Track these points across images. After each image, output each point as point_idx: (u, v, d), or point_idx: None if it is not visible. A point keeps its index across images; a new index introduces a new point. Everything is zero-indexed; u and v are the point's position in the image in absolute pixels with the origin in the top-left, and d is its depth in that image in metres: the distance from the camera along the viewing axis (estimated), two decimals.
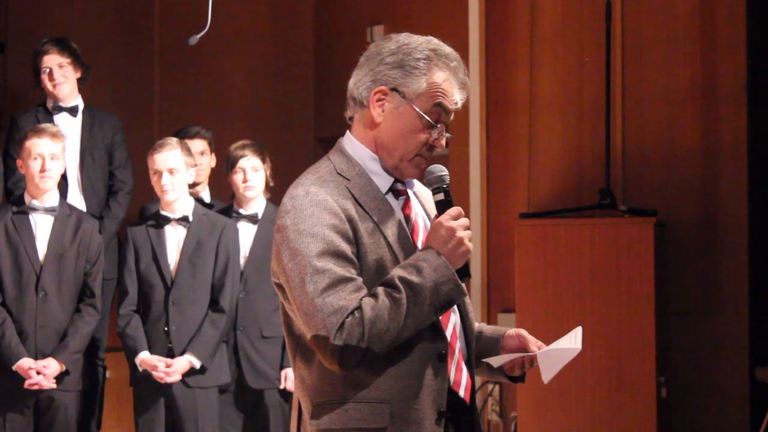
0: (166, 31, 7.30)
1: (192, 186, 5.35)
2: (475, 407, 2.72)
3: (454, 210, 2.58)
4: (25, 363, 4.92)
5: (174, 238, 5.18)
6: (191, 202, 5.27)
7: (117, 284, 5.40)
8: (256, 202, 5.43)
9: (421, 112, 2.61)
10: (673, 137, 5.77)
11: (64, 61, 5.74)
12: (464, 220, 2.57)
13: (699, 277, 5.65)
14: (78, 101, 5.84)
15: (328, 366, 2.51)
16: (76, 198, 5.69)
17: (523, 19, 6.26)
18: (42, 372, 4.92)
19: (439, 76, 2.62)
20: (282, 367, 5.31)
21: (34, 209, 5.05)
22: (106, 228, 5.66)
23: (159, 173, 5.11)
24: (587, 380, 5.34)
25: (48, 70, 5.72)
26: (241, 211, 5.43)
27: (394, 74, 2.62)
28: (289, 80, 7.73)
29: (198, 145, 5.69)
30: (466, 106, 2.73)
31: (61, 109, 5.77)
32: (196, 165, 5.33)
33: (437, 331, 2.59)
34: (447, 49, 2.67)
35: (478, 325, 2.82)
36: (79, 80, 5.83)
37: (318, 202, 2.55)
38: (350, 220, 2.56)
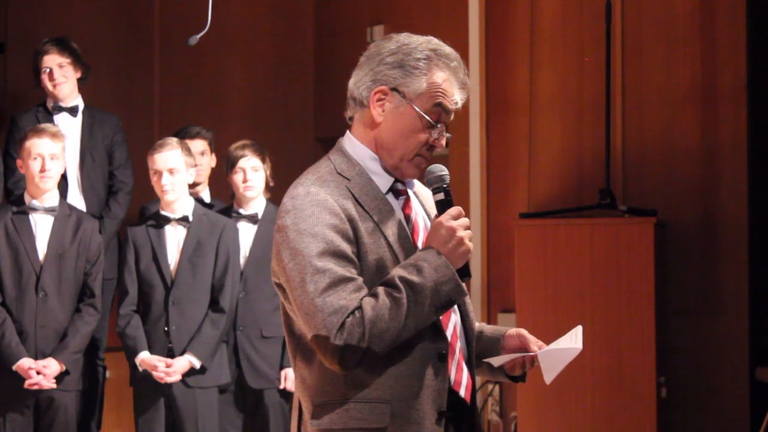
0: (166, 31, 7.30)
1: (192, 186, 5.35)
2: (476, 407, 2.72)
3: (455, 210, 2.58)
4: (25, 363, 4.92)
5: (174, 238, 5.18)
6: (191, 202, 5.27)
7: (117, 284, 5.40)
8: (256, 202, 5.43)
9: (421, 112, 2.61)
10: (673, 137, 5.77)
11: (65, 61, 5.74)
12: (464, 220, 2.57)
13: (699, 277, 5.65)
14: (78, 101, 5.84)
15: (329, 366, 2.51)
16: (76, 198, 5.69)
17: (523, 19, 6.26)
18: (42, 372, 4.92)
19: (440, 76, 2.62)
20: (282, 367, 5.31)
21: (34, 209, 5.05)
22: (106, 228, 5.66)
23: (159, 173, 5.11)
24: (587, 380, 5.34)
25: (48, 70, 5.72)
26: (241, 211, 5.43)
27: (394, 74, 2.62)
28: (289, 80, 7.73)
29: (198, 145, 5.69)
30: (466, 106, 2.73)
31: (61, 109, 5.77)
32: (196, 165, 5.33)
33: (438, 330, 2.59)
34: (447, 49, 2.67)
35: (478, 324, 2.82)
36: (79, 80, 5.83)
37: (318, 201, 2.55)
38: (350, 220, 2.56)
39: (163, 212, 5.19)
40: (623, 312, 5.32)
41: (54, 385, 4.95)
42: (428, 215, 2.75)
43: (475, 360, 2.72)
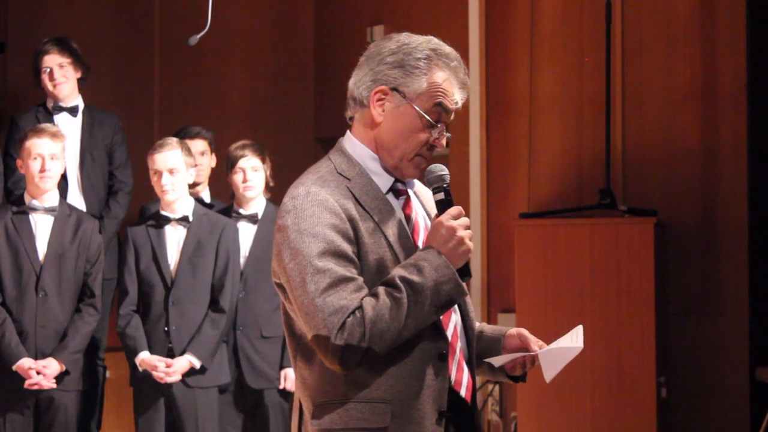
0: (166, 31, 7.30)
1: (192, 186, 5.35)
2: (476, 407, 2.72)
3: (455, 209, 2.58)
4: (25, 363, 4.92)
5: (174, 238, 5.18)
6: (191, 202, 5.26)
7: (117, 284, 5.40)
8: (256, 202, 5.43)
9: (421, 112, 2.61)
10: (673, 137, 5.77)
11: (65, 61, 5.74)
12: (465, 220, 2.57)
13: (699, 277, 5.65)
14: (78, 101, 5.84)
15: (329, 366, 2.51)
16: (76, 198, 5.69)
17: (523, 19, 6.26)
18: (42, 372, 4.92)
19: (440, 76, 2.62)
20: (282, 367, 5.31)
21: (34, 209, 5.05)
22: (106, 228, 5.66)
23: (159, 173, 5.11)
24: (587, 380, 5.34)
25: (48, 69, 5.72)
26: (241, 211, 5.43)
27: (394, 74, 2.62)
28: (289, 80, 7.73)
29: (198, 145, 5.69)
30: (466, 106, 2.73)
31: (61, 109, 5.77)
32: (196, 165, 5.33)
33: (438, 330, 2.59)
34: (447, 48, 2.67)
35: (479, 324, 2.82)
36: (79, 80, 5.83)
37: (319, 201, 2.54)
38: (351, 220, 2.56)
39: (163, 212, 5.19)
40: (623, 312, 5.32)
41: (54, 385, 4.95)
42: (428, 215, 2.75)
43: (475, 360, 2.73)
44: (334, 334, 2.45)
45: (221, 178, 5.68)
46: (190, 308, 5.13)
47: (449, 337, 2.62)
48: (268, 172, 5.42)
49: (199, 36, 5.20)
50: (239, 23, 7.53)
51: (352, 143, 2.69)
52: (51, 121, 5.66)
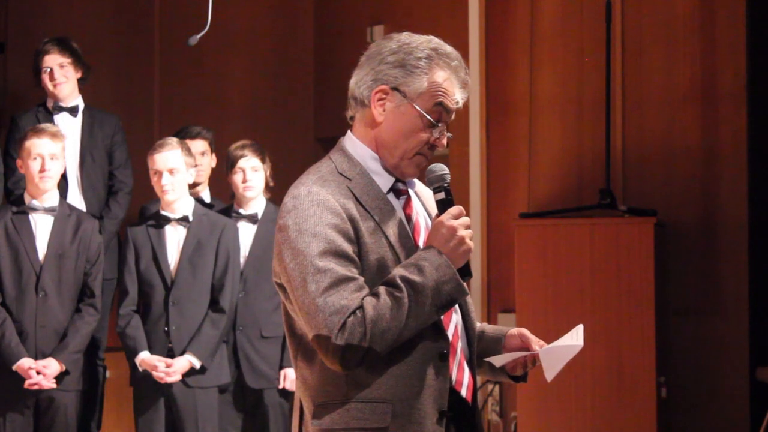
0: (166, 31, 7.30)
1: (192, 186, 5.35)
2: (477, 407, 2.72)
3: (455, 209, 2.58)
4: (25, 363, 4.92)
5: (174, 238, 5.18)
6: (191, 202, 5.27)
7: (117, 284, 5.40)
8: (255, 202, 5.43)
9: (422, 111, 2.61)
10: (673, 137, 5.77)
11: (65, 60, 5.74)
12: (465, 219, 2.57)
13: (699, 277, 5.65)
14: (78, 101, 5.84)
15: (330, 366, 2.51)
16: (76, 198, 5.69)
17: (523, 19, 6.26)
18: (42, 372, 4.92)
19: (440, 76, 2.62)
20: (281, 367, 5.31)
21: (34, 209, 5.05)
22: (106, 228, 5.66)
23: (159, 173, 5.11)
24: (587, 380, 5.34)
25: (49, 69, 5.72)
26: (241, 211, 5.43)
27: (395, 73, 2.62)
28: (289, 80, 7.73)
29: (199, 145, 5.69)
30: (466, 106, 2.73)
31: (61, 109, 5.77)
32: (196, 165, 5.33)
33: (439, 330, 2.59)
34: (448, 48, 2.67)
35: (479, 324, 2.82)
36: (79, 80, 5.83)
37: (319, 201, 2.54)
38: (351, 220, 2.55)
39: (163, 212, 5.20)
40: (623, 312, 5.32)
41: (54, 385, 4.95)
42: (429, 215, 2.75)
43: (476, 360, 2.72)
44: (335, 334, 2.45)
45: (221, 178, 5.68)
46: (190, 308, 5.13)
47: (450, 337, 2.62)
48: (268, 172, 5.42)
49: (199, 36, 5.20)
50: (239, 23, 7.53)
51: (352, 143, 2.69)
52: (51, 121, 5.66)
